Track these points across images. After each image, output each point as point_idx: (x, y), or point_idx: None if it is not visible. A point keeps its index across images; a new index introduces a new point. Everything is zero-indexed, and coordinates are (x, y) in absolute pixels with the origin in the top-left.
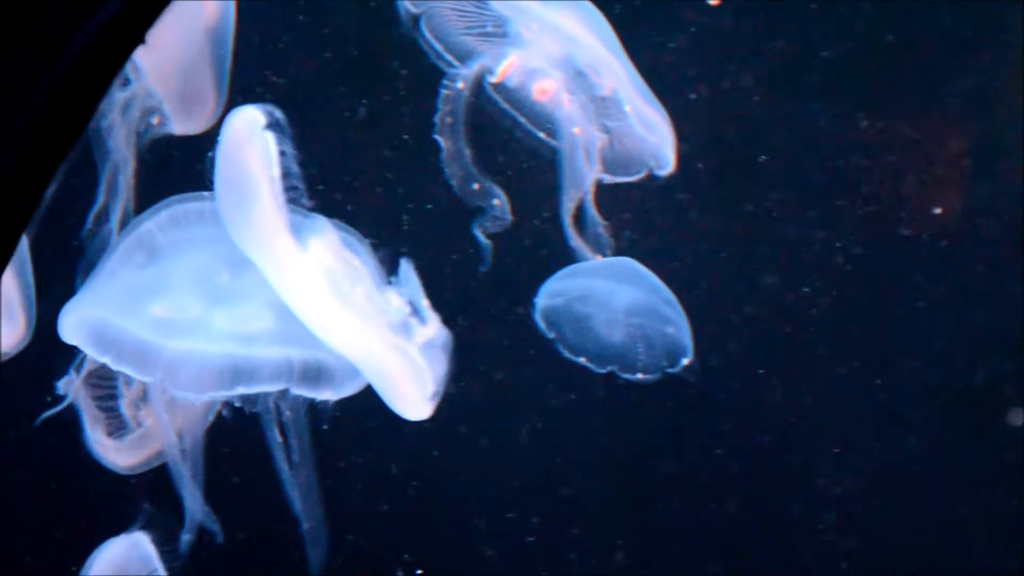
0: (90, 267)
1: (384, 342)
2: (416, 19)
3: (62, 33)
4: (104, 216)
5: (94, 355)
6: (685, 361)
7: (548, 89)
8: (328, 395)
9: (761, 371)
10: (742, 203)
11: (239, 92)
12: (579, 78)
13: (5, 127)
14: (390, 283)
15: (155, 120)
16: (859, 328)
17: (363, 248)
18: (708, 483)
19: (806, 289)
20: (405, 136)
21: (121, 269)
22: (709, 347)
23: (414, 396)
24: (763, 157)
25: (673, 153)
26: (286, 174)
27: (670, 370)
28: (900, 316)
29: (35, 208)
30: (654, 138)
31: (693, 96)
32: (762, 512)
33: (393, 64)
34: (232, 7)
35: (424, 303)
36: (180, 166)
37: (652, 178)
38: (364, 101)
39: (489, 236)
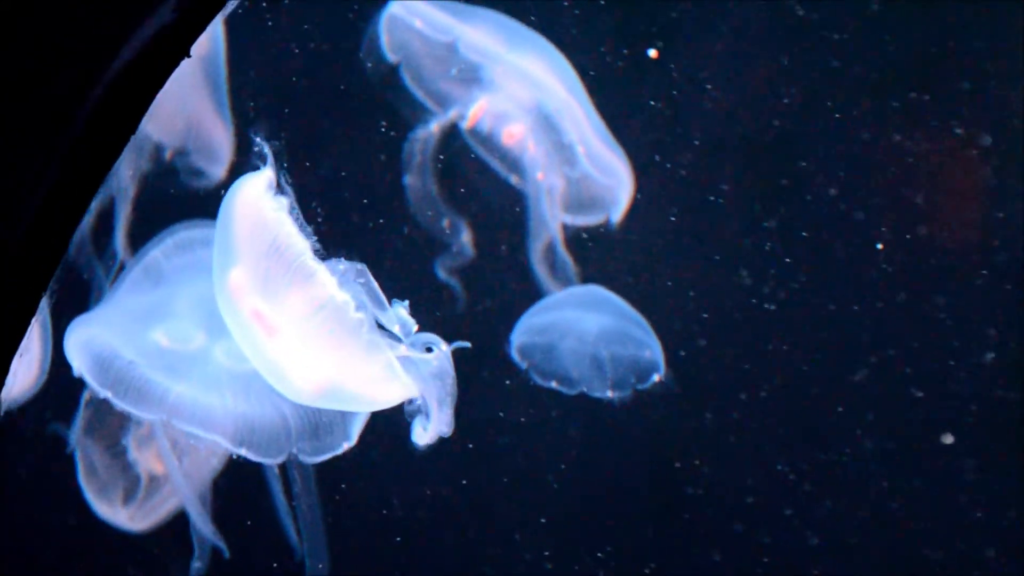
0: (99, 295)
1: (366, 393)
2: (394, 67)
3: (107, 47)
4: (97, 246)
5: (95, 384)
6: (656, 378)
7: (516, 133)
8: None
9: (753, 383)
10: (737, 212)
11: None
12: (545, 123)
13: (51, 141)
14: (386, 308)
15: (168, 154)
16: (846, 336)
17: (352, 284)
18: (690, 495)
19: (784, 294)
20: (382, 156)
21: (128, 297)
22: (692, 362)
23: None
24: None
25: (627, 197)
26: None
27: (641, 387)
28: (898, 323)
29: (80, 220)
30: (610, 181)
31: (653, 103)
32: (752, 524)
33: (375, 100)
34: (221, 36)
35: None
36: (183, 194)
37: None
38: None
39: (457, 273)
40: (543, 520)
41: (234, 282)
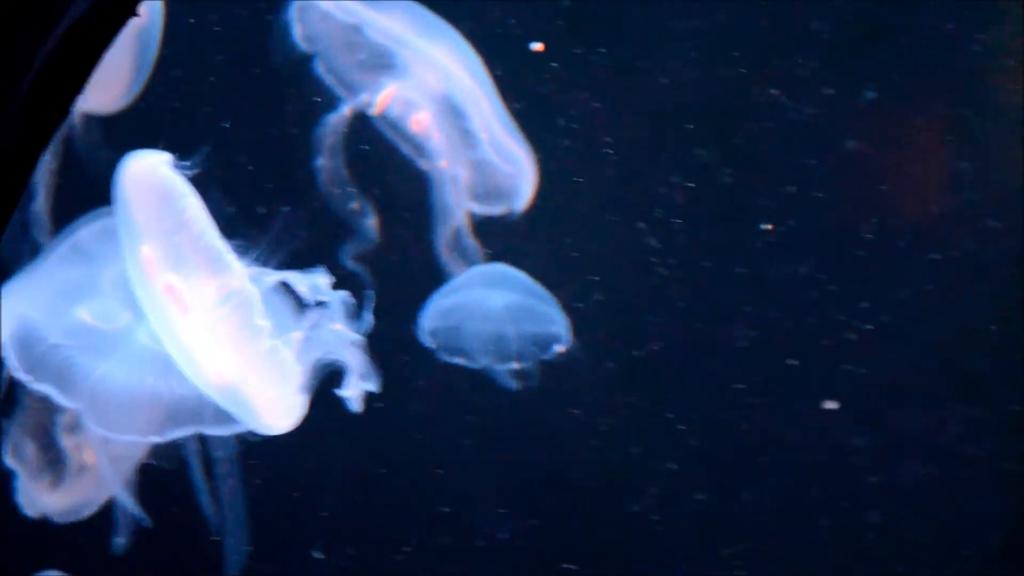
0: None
1: (257, 402)
2: (307, 54)
3: (54, 7)
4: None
5: (16, 359)
6: (559, 348)
7: (422, 121)
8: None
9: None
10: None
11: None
12: (451, 110)
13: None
14: (303, 278)
15: (79, 120)
16: (732, 298)
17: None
18: (589, 446)
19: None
20: (294, 132)
21: (54, 271)
22: (590, 323)
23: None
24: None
25: (530, 187)
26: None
27: (544, 357)
28: (784, 287)
29: (26, 184)
30: (513, 169)
31: (552, 64)
32: (641, 479)
33: (288, 83)
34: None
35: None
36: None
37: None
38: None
39: (365, 257)
40: (458, 486)
41: (146, 257)
